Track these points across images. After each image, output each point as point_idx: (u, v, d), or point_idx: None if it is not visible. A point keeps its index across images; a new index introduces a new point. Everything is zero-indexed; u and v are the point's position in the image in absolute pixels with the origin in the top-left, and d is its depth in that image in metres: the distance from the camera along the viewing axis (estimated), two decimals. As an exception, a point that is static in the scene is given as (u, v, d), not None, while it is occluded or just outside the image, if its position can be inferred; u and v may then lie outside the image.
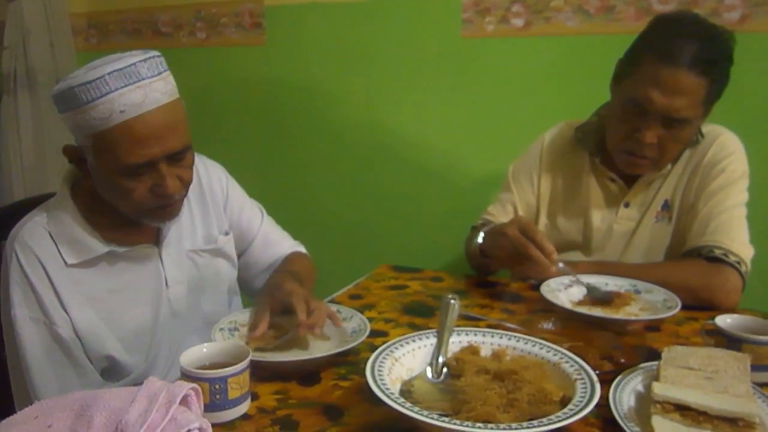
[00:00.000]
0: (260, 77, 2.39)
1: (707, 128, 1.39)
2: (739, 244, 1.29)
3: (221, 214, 1.29)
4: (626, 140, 1.31)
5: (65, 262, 1.06)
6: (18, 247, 1.05)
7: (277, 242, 1.39)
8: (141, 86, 0.97)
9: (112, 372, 1.12)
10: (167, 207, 1.08)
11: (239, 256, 1.35)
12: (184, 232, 1.21)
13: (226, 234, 1.29)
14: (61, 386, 1.04)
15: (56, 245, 1.06)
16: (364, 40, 2.23)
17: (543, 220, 1.51)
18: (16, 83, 2.71)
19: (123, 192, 1.02)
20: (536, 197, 1.52)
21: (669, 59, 1.22)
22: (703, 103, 1.25)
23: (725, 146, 1.36)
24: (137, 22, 2.70)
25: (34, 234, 1.06)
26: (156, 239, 1.17)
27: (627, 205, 1.42)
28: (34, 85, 2.72)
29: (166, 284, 1.17)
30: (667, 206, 1.40)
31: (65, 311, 1.05)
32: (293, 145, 2.44)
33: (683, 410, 0.76)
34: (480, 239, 1.39)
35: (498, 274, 1.48)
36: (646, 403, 0.81)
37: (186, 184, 1.09)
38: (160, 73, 1.01)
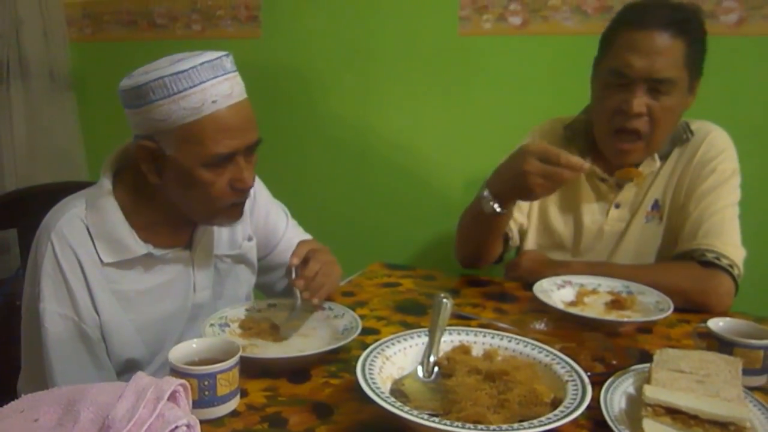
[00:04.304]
0: (255, 71, 2.36)
1: (696, 125, 1.38)
2: (732, 247, 1.28)
3: (246, 219, 1.27)
4: (614, 117, 1.29)
5: (101, 261, 1.04)
6: (55, 239, 1.02)
7: None
8: (228, 78, 1.01)
9: (128, 374, 1.10)
10: (239, 205, 1.09)
11: (261, 259, 1.33)
12: (212, 236, 1.19)
13: (250, 240, 1.27)
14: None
15: (93, 241, 1.04)
16: (361, 36, 2.22)
17: (534, 221, 1.49)
18: (8, 73, 2.68)
19: (203, 186, 1.01)
20: None
21: (642, 24, 1.24)
22: (685, 66, 1.25)
23: (715, 145, 1.35)
24: (132, 13, 2.67)
25: (73, 227, 1.03)
26: (189, 243, 1.15)
27: (618, 206, 1.41)
28: (26, 75, 2.70)
29: (194, 289, 1.16)
30: (657, 206, 1.39)
31: (96, 312, 1.04)
32: (286, 139, 2.42)
33: (674, 414, 0.76)
34: (486, 192, 1.24)
35: (491, 273, 1.47)
36: (637, 405, 0.81)
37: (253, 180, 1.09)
38: (236, 70, 1.04)
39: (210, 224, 1.14)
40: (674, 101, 1.27)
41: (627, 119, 1.27)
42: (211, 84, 0.98)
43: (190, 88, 0.97)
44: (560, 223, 1.47)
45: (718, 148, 1.35)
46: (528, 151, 1.16)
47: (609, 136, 1.32)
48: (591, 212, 1.43)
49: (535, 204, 1.49)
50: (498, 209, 1.24)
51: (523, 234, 1.49)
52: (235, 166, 1.03)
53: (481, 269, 1.46)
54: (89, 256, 1.03)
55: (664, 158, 1.37)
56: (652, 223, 1.39)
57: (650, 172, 1.37)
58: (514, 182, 1.19)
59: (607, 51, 1.31)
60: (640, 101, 1.25)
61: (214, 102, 0.98)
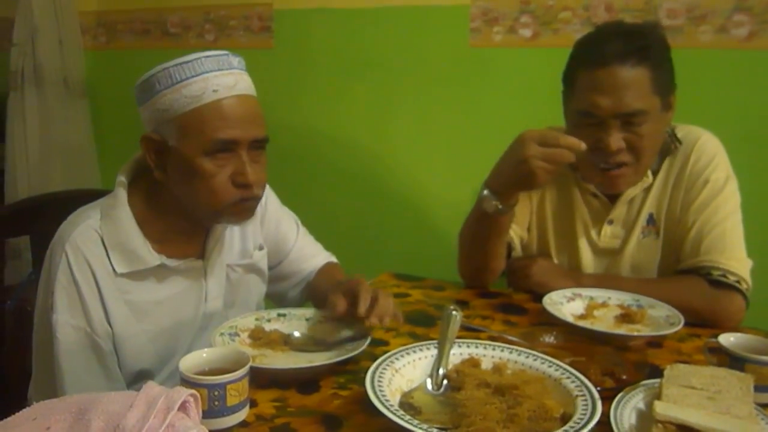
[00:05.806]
0: (267, 81, 2.39)
1: (682, 132, 1.34)
2: (736, 261, 1.26)
3: (257, 228, 1.27)
4: (594, 154, 1.24)
5: (114, 271, 1.05)
6: (70, 250, 1.02)
7: (312, 255, 1.37)
8: (233, 73, 1.03)
9: (138, 384, 1.10)
10: (247, 201, 1.07)
11: (272, 268, 1.33)
12: (224, 245, 1.19)
13: (261, 249, 1.27)
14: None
15: (107, 252, 1.04)
16: (372, 47, 2.24)
17: (533, 238, 1.47)
18: (23, 80, 2.72)
19: (204, 178, 1.01)
20: (529, 210, 1.46)
21: (599, 62, 1.20)
22: (653, 92, 1.21)
23: (705, 152, 1.31)
24: (146, 22, 2.70)
25: (87, 238, 1.04)
26: (201, 253, 1.15)
27: (611, 223, 1.38)
28: (41, 83, 2.73)
29: (206, 299, 1.16)
30: (653, 220, 1.36)
31: (109, 324, 1.05)
32: (297, 149, 2.44)
33: (685, 430, 0.76)
34: (486, 192, 1.26)
35: (497, 286, 1.47)
36: (647, 421, 0.80)
37: (262, 183, 1.08)
38: (245, 70, 1.07)
39: (218, 222, 1.13)
40: (651, 127, 1.23)
41: (607, 156, 1.24)
42: (214, 75, 1.00)
43: (193, 77, 0.99)
44: (557, 243, 1.44)
45: (708, 156, 1.31)
46: (527, 137, 1.17)
47: (593, 171, 1.28)
48: (586, 230, 1.41)
49: (534, 221, 1.46)
50: (500, 206, 1.25)
51: (524, 248, 1.48)
52: (237, 159, 1.03)
53: (488, 285, 1.45)
54: (103, 266, 1.04)
55: (655, 172, 1.34)
56: (648, 238, 1.36)
57: (643, 187, 1.34)
58: (515, 171, 1.19)
59: (571, 92, 1.28)
60: (616, 138, 1.22)
61: (215, 91, 1.00)
